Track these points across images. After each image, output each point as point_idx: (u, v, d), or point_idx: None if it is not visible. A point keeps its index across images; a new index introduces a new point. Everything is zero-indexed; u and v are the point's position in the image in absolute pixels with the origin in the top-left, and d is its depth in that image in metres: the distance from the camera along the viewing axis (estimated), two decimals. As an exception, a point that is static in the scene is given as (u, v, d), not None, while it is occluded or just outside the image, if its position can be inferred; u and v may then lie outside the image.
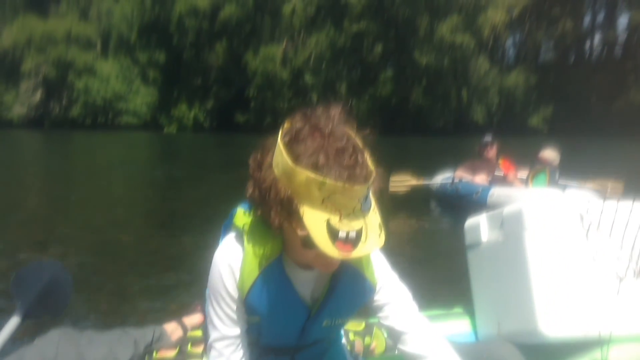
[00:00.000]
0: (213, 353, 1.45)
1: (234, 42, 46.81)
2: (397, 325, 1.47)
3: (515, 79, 48.07)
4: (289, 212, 1.21)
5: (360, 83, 46.33)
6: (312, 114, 1.24)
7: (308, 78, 46.63)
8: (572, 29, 48.87)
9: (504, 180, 7.70)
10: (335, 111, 1.26)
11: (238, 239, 1.40)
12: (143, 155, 23.26)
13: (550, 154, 7.45)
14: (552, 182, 7.35)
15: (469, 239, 2.35)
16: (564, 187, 7.07)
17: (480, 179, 7.90)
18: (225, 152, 22.19)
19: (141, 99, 47.28)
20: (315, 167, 1.15)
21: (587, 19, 51.05)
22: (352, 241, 1.18)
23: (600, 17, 50.88)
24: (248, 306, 1.41)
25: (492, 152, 8.17)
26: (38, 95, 47.86)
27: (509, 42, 53.12)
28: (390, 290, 1.47)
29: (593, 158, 16.56)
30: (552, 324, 1.92)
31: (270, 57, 46.24)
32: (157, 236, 6.46)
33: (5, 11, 49.17)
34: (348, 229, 1.17)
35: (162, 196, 10.37)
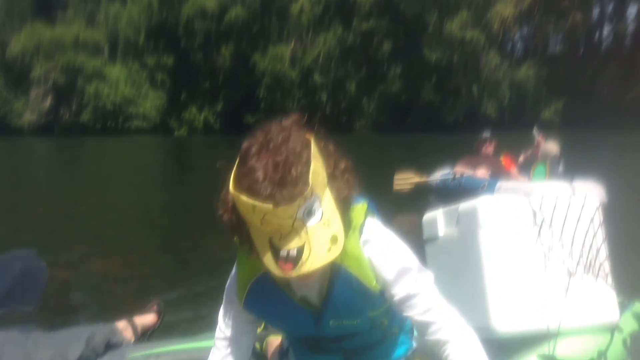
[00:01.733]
0: (213, 350, 1.55)
1: (242, 43, 47.02)
2: (419, 319, 1.44)
3: (526, 72, 47.90)
4: (244, 233, 1.23)
5: (370, 81, 46.36)
6: (266, 130, 1.22)
7: (317, 77, 46.75)
8: (581, 21, 48.54)
9: (506, 176, 7.66)
10: (288, 123, 1.24)
11: (237, 257, 1.46)
12: (160, 159, 23.44)
13: (549, 146, 7.37)
14: (553, 174, 7.27)
15: (426, 233, 2.39)
16: (568, 179, 7.00)
17: (482, 173, 7.87)
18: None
19: (150, 102, 47.61)
20: (249, 190, 1.15)
21: (596, 10, 50.71)
22: (292, 259, 1.17)
23: (610, 8, 50.50)
24: (250, 312, 1.49)
25: (489, 148, 8.15)
26: (48, 102, 48.31)
27: (518, 36, 52.85)
28: (404, 285, 1.41)
29: (605, 151, 16.46)
30: (505, 319, 1.96)
31: (278, 57, 46.43)
32: (183, 241, 6.47)
33: (13, 19, 49.72)
34: (287, 247, 1.17)
35: (183, 201, 10.41)
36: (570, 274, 2.01)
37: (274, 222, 1.16)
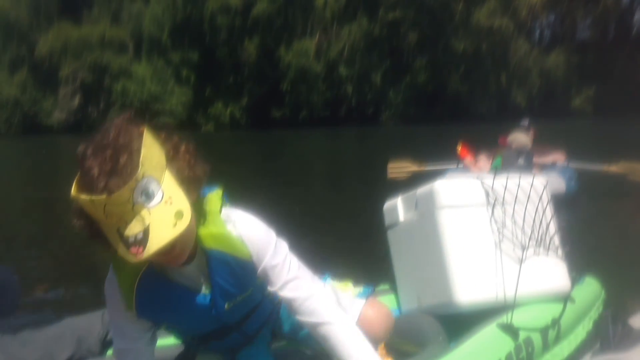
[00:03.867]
0: None
1: (266, 37, 47.19)
2: (288, 296, 1.52)
3: (555, 59, 47.20)
4: (98, 233, 1.30)
5: (396, 72, 46.19)
6: (100, 130, 1.29)
7: (342, 70, 46.73)
8: (612, 5, 47.49)
9: (464, 167, 7.54)
10: (119, 120, 1.30)
11: (112, 262, 1.50)
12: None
13: (522, 138, 7.23)
14: (508, 166, 7.14)
15: (387, 220, 2.50)
16: (526, 171, 6.86)
17: (483, 164, 7.70)
18: (273, 149, 22.23)
19: (176, 98, 48.11)
20: (86, 188, 1.23)
21: (627, -6, 49.55)
22: (140, 242, 1.23)
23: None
24: (146, 319, 1.52)
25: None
26: (76, 100, 49.11)
27: (547, 23, 51.96)
28: (273, 262, 1.51)
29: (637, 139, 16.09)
30: (465, 295, 2.09)
31: (303, 50, 46.53)
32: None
33: (40, 20, 50.59)
34: (134, 232, 1.23)
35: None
36: (523, 248, 2.13)
37: (115, 211, 1.23)
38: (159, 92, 48.23)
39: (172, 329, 1.68)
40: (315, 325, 1.52)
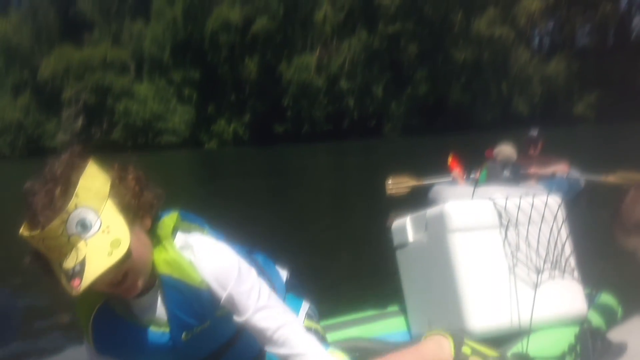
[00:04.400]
0: None
1: (267, 54, 47.52)
2: (258, 326, 1.42)
3: (556, 67, 47.30)
4: (48, 270, 1.27)
5: (397, 84, 46.33)
6: (45, 167, 1.28)
7: (343, 83, 46.96)
8: (611, 11, 47.62)
9: (452, 180, 7.53)
10: (66, 155, 1.29)
11: None
12: (192, 172, 23.52)
13: (507, 150, 7.23)
14: (494, 179, 7.14)
15: (396, 240, 2.44)
16: (512, 184, 6.86)
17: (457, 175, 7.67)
18: (276, 165, 22.21)
19: (179, 117, 48.38)
20: (27, 225, 1.23)
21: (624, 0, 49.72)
22: (79, 274, 1.20)
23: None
24: (107, 356, 1.47)
25: (534, 149, 7.92)
26: (79, 122, 49.38)
27: (546, 30, 52.15)
28: (239, 289, 1.42)
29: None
30: (478, 320, 2.02)
31: (304, 65, 46.80)
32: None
33: (42, 44, 51.03)
34: (71, 264, 1.21)
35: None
36: (538, 271, 2.06)
37: (53, 245, 1.21)
38: (162, 111, 48.51)
39: None
40: (287, 357, 1.42)
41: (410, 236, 2.34)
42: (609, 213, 1.82)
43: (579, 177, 7.81)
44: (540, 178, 7.52)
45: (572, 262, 2.16)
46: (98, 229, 1.23)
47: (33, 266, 1.29)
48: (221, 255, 1.45)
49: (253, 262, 1.69)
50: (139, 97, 48.45)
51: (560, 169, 7.71)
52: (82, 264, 1.20)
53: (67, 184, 1.23)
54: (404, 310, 2.49)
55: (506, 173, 7.17)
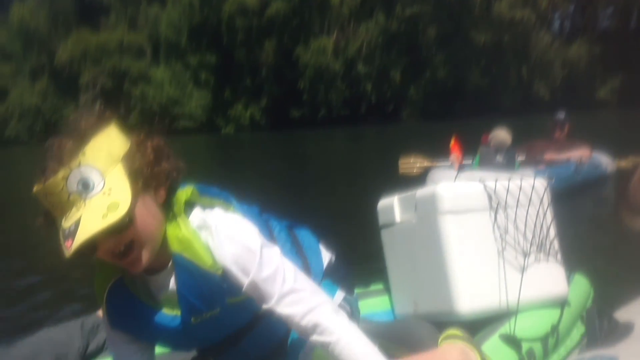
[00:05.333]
0: None
1: (284, 37, 47.36)
2: (286, 312, 1.34)
3: (577, 50, 46.62)
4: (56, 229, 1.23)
5: (415, 68, 45.95)
6: (67, 123, 1.27)
7: (361, 67, 46.71)
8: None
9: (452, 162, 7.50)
10: (91, 114, 1.29)
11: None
12: (211, 157, 23.59)
13: (502, 135, 7.16)
14: (486, 164, 7.17)
15: (382, 219, 2.43)
16: (504, 169, 6.81)
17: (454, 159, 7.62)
18: (291, 150, 22.16)
19: (195, 101, 48.49)
20: (37, 180, 1.20)
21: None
22: (72, 235, 1.15)
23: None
24: (121, 332, 1.45)
25: (560, 132, 7.84)
26: (97, 106, 49.42)
27: (567, 13, 51.30)
28: (262, 275, 1.33)
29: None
30: (467, 302, 2.05)
31: (321, 49, 46.61)
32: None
33: (59, 28, 51.25)
34: (68, 224, 1.17)
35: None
36: (525, 255, 2.10)
37: (54, 202, 1.19)
38: (178, 96, 48.64)
39: (159, 344, 1.53)
40: (321, 342, 1.33)
41: (398, 216, 2.34)
42: (615, 195, 1.82)
43: (603, 163, 7.72)
44: (551, 164, 7.47)
45: (556, 245, 2.20)
46: (100, 191, 1.19)
47: (43, 227, 1.25)
48: (242, 238, 1.36)
49: (291, 237, 1.65)
50: (156, 81, 48.61)
51: (581, 154, 7.61)
52: (77, 224, 1.16)
53: (80, 140, 1.21)
54: (387, 290, 2.48)
55: (499, 158, 7.19)
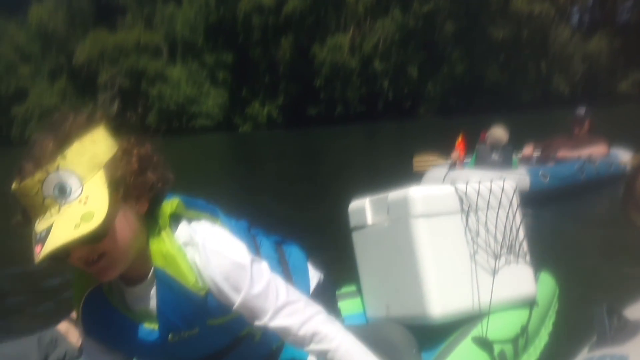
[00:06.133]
0: None
1: (300, 35, 47.46)
2: (282, 324, 1.32)
3: (597, 44, 46.11)
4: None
5: (432, 64, 45.74)
6: (52, 122, 1.21)
7: (377, 64, 46.62)
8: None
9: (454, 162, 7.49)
10: (80, 114, 1.23)
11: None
12: (227, 155, 23.61)
13: (498, 132, 7.11)
14: (481, 162, 7.18)
15: (354, 221, 2.41)
16: (499, 167, 6.75)
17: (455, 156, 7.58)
18: (307, 148, 22.20)
19: (212, 100, 48.80)
20: (16, 178, 1.16)
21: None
22: (42, 240, 1.11)
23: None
24: (95, 342, 1.41)
25: (580, 128, 7.74)
26: (115, 106, 50.10)
27: (586, 7, 50.72)
28: (254, 291, 1.30)
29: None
30: (438, 307, 2.05)
31: (337, 46, 46.64)
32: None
33: (76, 29, 51.82)
34: (40, 228, 1.13)
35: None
36: (496, 257, 2.12)
37: (28, 204, 1.15)
38: (195, 95, 48.97)
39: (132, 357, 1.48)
40: (319, 350, 1.32)
41: (370, 218, 2.32)
42: (621, 191, 1.82)
43: (623, 159, 7.61)
44: (557, 161, 7.39)
45: (525, 246, 2.23)
46: (76, 198, 1.15)
47: (20, 226, 1.20)
48: (231, 254, 1.32)
49: (278, 255, 1.61)
50: (173, 80, 48.99)
51: (593, 151, 7.48)
52: (48, 230, 1.12)
53: (61, 141, 1.16)
54: (359, 292, 2.46)
55: (494, 156, 7.15)
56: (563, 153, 7.54)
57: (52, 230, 1.11)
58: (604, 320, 1.76)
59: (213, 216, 1.41)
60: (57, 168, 1.13)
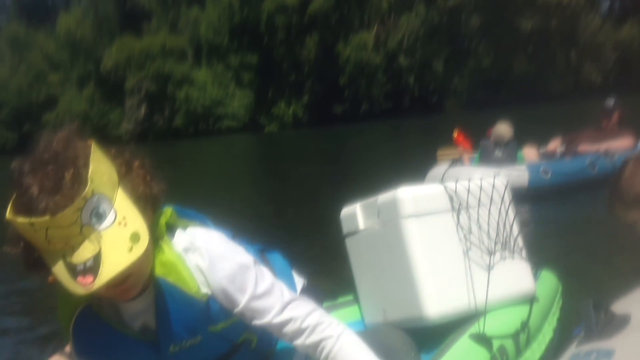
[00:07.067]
0: None
1: (324, 33, 47.46)
2: (286, 318, 1.34)
3: (629, 32, 45.06)
4: (38, 263, 1.15)
5: (458, 58, 45.31)
6: (39, 145, 1.16)
7: (402, 60, 46.37)
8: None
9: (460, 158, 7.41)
10: (63, 134, 1.18)
11: (58, 294, 1.35)
12: (254, 155, 23.74)
13: (502, 129, 7.02)
14: (485, 159, 7.18)
15: (346, 228, 2.40)
16: (503, 164, 6.66)
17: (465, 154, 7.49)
18: (332, 146, 22.26)
19: (238, 101, 49.13)
20: (25, 209, 1.09)
21: None
22: (91, 270, 1.08)
23: None
24: None
25: (608, 120, 7.56)
26: (142, 110, 50.75)
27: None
28: (259, 291, 1.32)
29: None
30: (435, 308, 2.04)
31: (361, 44, 46.59)
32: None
33: (103, 35, 52.66)
34: (83, 258, 1.09)
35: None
36: (490, 254, 2.12)
37: (60, 235, 1.09)
38: (221, 96, 49.36)
39: None
40: (318, 342, 1.35)
41: (361, 224, 2.30)
42: (608, 187, 1.83)
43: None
44: (575, 155, 7.26)
45: (520, 242, 2.23)
46: (114, 220, 1.13)
47: (15, 255, 1.17)
48: (234, 256, 1.34)
49: (263, 262, 1.61)
50: (199, 83, 49.42)
51: (620, 144, 7.27)
52: (97, 259, 1.09)
53: (77, 166, 1.12)
54: (356, 300, 2.46)
55: (497, 153, 7.14)
56: (584, 147, 7.39)
57: (102, 257, 1.09)
58: (591, 315, 1.76)
59: (203, 224, 1.42)
60: (92, 192, 1.11)
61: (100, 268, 1.08)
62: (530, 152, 7.57)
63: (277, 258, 1.73)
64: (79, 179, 1.11)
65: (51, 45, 54.82)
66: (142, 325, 1.34)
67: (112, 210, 1.13)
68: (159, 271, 1.28)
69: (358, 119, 43.03)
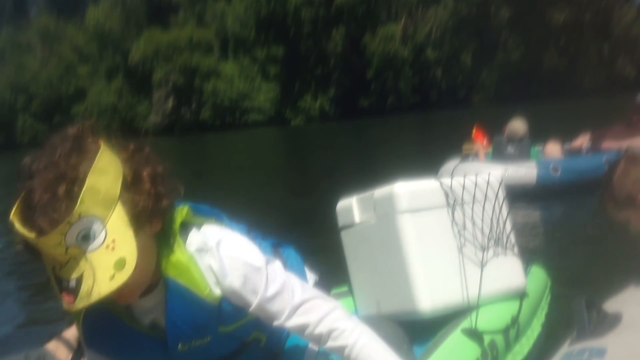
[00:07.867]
0: None
1: (351, 26, 47.39)
2: (299, 322, 1.34)
3: (665, 24, 43.94)
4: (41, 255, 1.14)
5: (487, 52, 44.80)
6: (51, 141, 1.12)
7: (430, 53, 46.02)
8: None
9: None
10: (75, 131, 1.13)
11: None
12: (279, 150, 23.73)
13: (516, 125, 6.92)
14: (498, 155, 7.16)
15: (341, 220, 2.44)
16: (515, 160, 6.74)
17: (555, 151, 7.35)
18: (358, 139, 22.23)
19: (264, 95, 49.33)
20: (21, 216, 1.09)
21: None
22: (73, 291, 1.08)
23: None
24: (98, 354, 1.38)
25: (638, 117, 7.41)
26: (170, 103, 51.25)
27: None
28: (271, 292, 1.32)
29: None
30: (428, 301, 2.09)
31: (389, 36, 46.41)
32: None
33: (131, 28, 53.30)
34: (67, 277, 1.08)
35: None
36: (484, 249, 2.16)
37: (46, 252, 1.09)
38: (247, 90, 49.62)
39: None
40: (337, 347, 1.35)
41: (357, 217, 2.34)
42: (600, 186, 1.81)
43: None
44: (596, 152, 7.13)
45: (512, 238, 2.27)
46: (102, 243, 1.09)
47: (21, 250, 1.16)
48: (246, 257, 1.33)
49: (277, 256, 1.62)
50: (225, 76, 49.73)
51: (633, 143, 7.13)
52: (79, 281, 1.08)
53: (73, 181, 1.08)
54: (350, 292, 2.49)
55: (510, 149, 7.12)
56: (608, 144, 7.26)
57: (83, 281, 1.08)
58: (583, 314, 1.76)
59: (218, 221, 1.42)
60: (79, 216, 1.07)
61: (80, 292, 1.08)
62: (553, 148, 7.47)
63: (291, 253, 1.73)
64: (69, 198, 1.07)
65: (80, 38, 55.70)
66: (152, 322, 1.35)
67: (103, 231, 1.10)
68: (170, 272, 1.28)
69: (385, 112, 42.93)
